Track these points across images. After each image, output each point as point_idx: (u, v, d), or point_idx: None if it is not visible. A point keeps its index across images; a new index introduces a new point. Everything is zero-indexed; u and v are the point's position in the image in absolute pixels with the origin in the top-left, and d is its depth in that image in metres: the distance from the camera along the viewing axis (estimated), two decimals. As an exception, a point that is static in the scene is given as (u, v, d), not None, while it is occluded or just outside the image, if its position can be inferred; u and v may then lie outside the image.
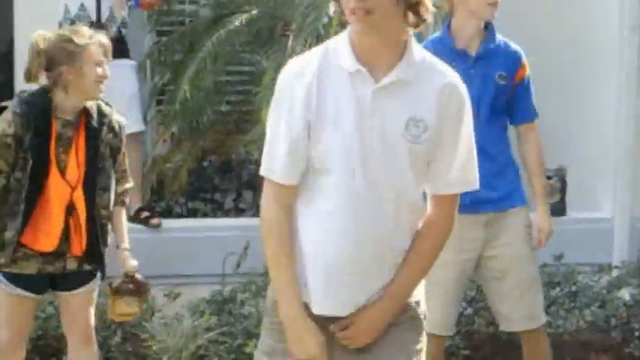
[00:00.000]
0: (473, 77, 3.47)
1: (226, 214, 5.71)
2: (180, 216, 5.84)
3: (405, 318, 2.22)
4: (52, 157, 3.37)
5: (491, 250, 3.64)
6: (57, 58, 3.35)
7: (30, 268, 3.46)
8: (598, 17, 5.52)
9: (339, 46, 2.09)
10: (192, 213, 5.86)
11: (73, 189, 3.41)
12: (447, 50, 3.46)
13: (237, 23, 5.01)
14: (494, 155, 3.59)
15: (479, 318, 4.66)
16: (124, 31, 4.95)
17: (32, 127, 3.36)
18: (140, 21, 5.48)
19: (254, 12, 5.11)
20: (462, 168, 2.20)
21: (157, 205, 5.64)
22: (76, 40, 3.32)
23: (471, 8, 3.51)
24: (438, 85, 2.11)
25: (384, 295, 2.18)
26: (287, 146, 2.09)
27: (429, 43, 3.55)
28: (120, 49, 4.67)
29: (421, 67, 2.12)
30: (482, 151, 3.01)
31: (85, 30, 3.50)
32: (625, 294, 4.74)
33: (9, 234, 3.41)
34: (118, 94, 4.51)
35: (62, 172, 3.41)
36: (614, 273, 4.91)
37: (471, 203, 3.13)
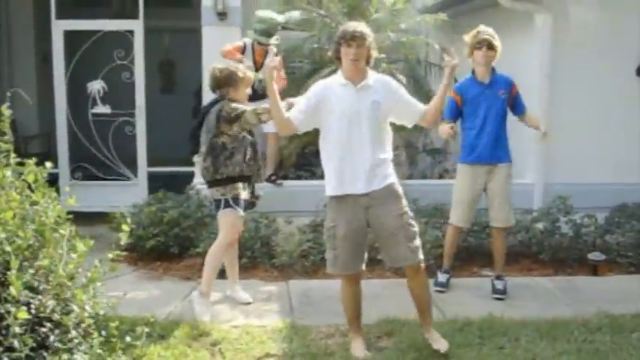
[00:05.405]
0: (487, 95, 4.76)
1: (317, 178, 5.96)
2: (292, 179, 6.63)
3: (389, 192, 3.63)
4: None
5: (488, 184, 4.88)
6: (224, 82, 4.31)
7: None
8: (525, 65, 6.40)
9: (338, 74, 3.68)
10: (298, 177, 6.81)
11: None
12: (473, 81, 4.80)
13: (324, 72, 5.81)
14: (502, 129, 4.81)
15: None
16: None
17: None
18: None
19: (335, 67, 4.73)
20: (413, 103, 3.73)
21: (280, 172, 6.53)
22: (239, 73, 4.35)
23: (475, 63, 4.78)
24: (382, 81, 3.69)
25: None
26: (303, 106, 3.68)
27: (465, 78, 4.86)
28: (264, 93, 5.37)
29: (373, 78, 3.66)
30: (501, 127, 4.66)
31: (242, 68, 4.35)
32: (539, 225, 5.90)
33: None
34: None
35: None
36: (534, 214, 6.08)
37: (479, 159, 4.65)
